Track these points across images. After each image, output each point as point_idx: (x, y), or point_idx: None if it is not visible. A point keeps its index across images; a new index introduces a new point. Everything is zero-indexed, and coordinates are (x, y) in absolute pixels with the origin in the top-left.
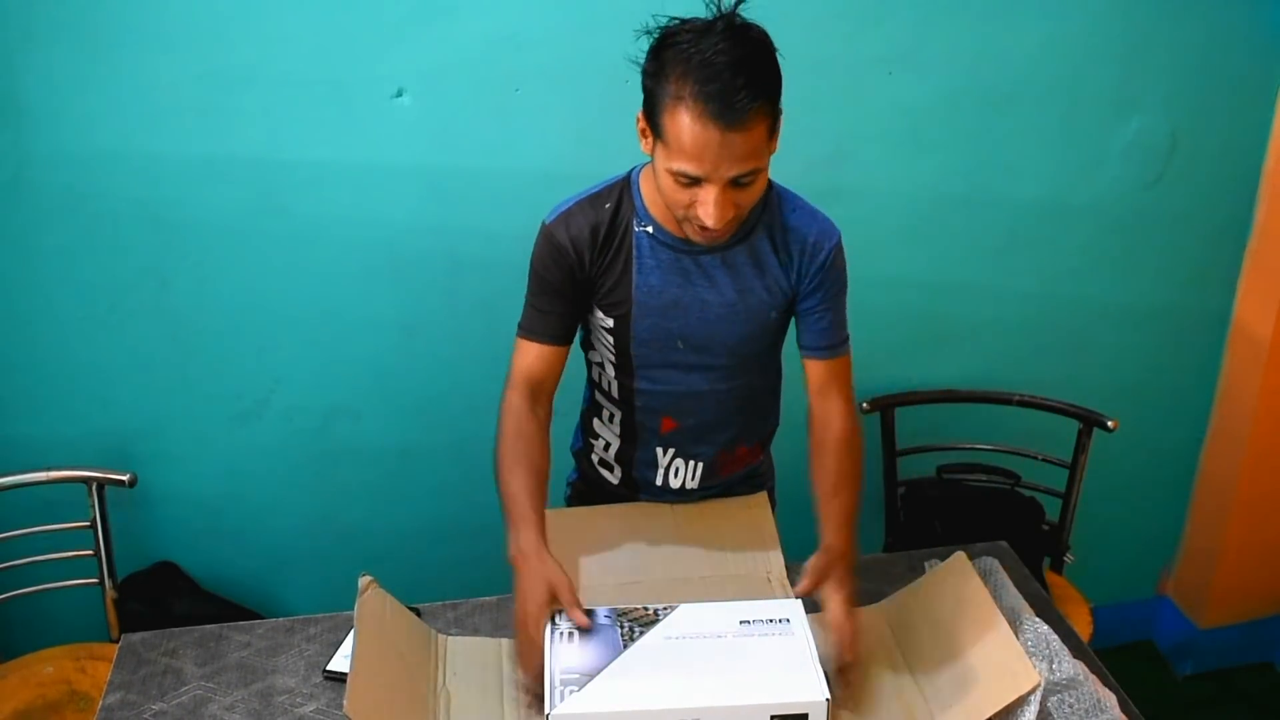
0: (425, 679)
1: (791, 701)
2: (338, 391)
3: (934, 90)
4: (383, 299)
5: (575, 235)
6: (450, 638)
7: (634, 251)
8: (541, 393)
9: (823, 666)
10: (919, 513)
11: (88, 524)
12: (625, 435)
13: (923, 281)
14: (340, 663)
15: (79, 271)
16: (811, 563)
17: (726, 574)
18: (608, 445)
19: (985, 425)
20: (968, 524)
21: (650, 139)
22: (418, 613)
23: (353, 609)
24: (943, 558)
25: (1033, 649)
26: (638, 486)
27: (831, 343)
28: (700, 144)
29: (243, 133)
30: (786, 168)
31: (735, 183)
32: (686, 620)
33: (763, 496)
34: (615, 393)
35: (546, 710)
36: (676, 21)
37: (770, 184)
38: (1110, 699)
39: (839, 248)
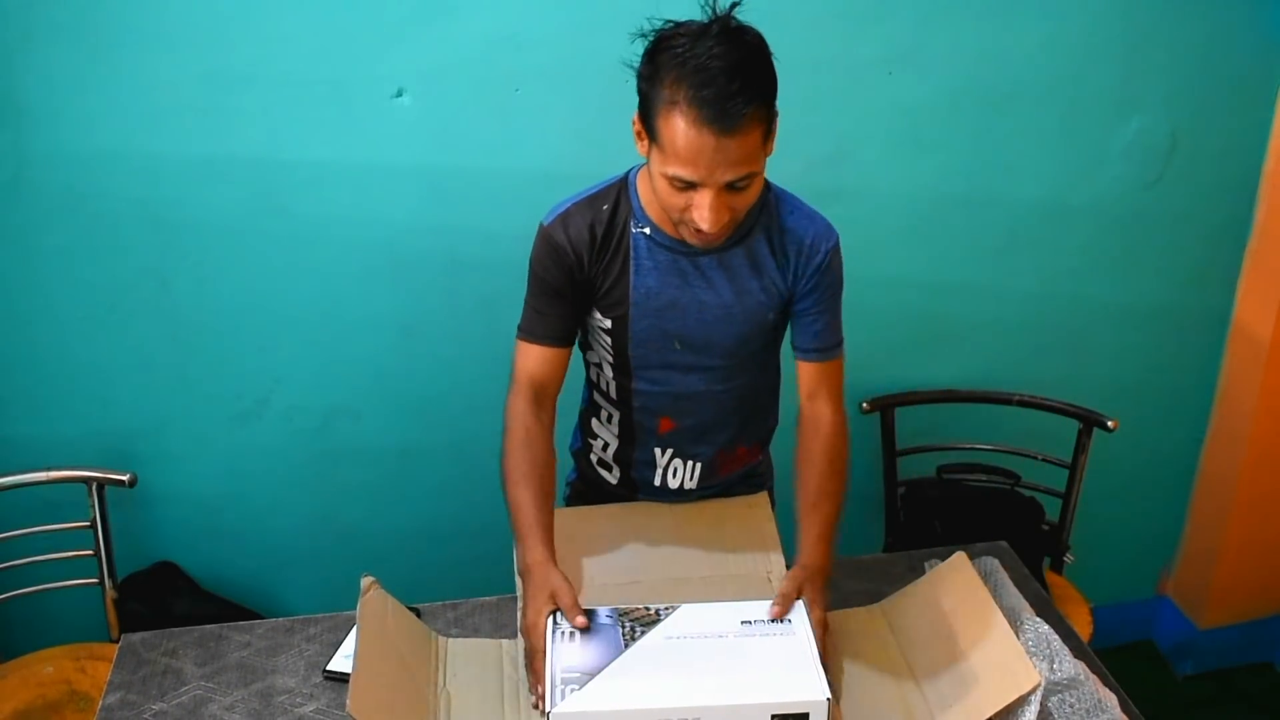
0: (426, 680)
1: (792, 701)
2: (338, 391)
3: (934, 90)
4: (383, 299)
5: (574, 236)
6: (450, 639)
7: (631, 253)
8: (546, 396)
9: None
10: (919, 513)
11: (88, 524)
12: (623, 435)
13: (923, 281)
14: (340, 663)
15: (79, 271)
16: (784, 585)
17: (727, 574)
18: (606, 445)
19: (985, 425)
20: (968, 524)
21: (645, 142)
22: (418, 613)
23: (353, 609)
24: (943, 558)
25: (1033, 649)
26: (636, 486)
27: (824, 345)
28: (695, 149)
29: (243, 133)
30: (786, 168)
31: (730, 187)
32: (688, 620)
33: (763, 496)
34: (613, 393)
35: (547, 709)
36: (671, 24)
37: (768, 185)
38: (1111, 699)
39: (836, 250)
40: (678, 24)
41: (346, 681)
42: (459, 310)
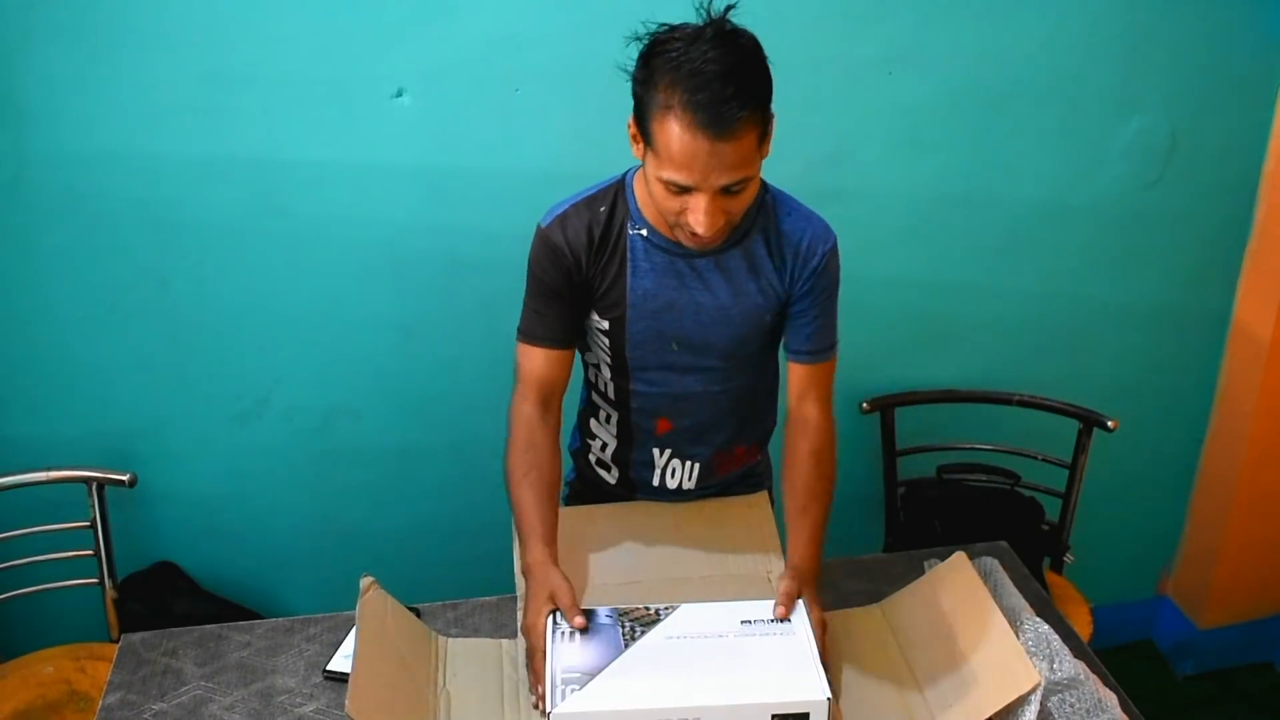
0: (426, 679)
1: (792, 701)
2: (338, 391)
3: (934, 90)
4: (383, 299)
5: (572, 238)
6: (450, 639)
7: (628, 254)
8: (552, 398)
9: None
10: (919, 513)
11: (88, 524)
12: (622, 436)
13: (923, 281)
14: (340, 663)
15: (79, 271)
16: (784, 586)
17: (727, 573)
18: (604, 446)
19: (985, 425)
20: (968, 524)
21: (641, 145)
22: (418, 613)
23: (353, 609)
24: (943, 558)
25: (1033, 649)
26: (635, 487)
27: (816, 348)
28: (689, 153)
29: (243, 133)
30: (786, 168)
31: (726, 191)
32: (688, 620)
33: (763, 496)
34: (611, 394)
35: (547, 709)
36: (666, 28)
37: (766, 186)
38: (1111, 699)
39: (834, 252)
40: (672, 27)
41: (346, 681)
42: (459, 310)
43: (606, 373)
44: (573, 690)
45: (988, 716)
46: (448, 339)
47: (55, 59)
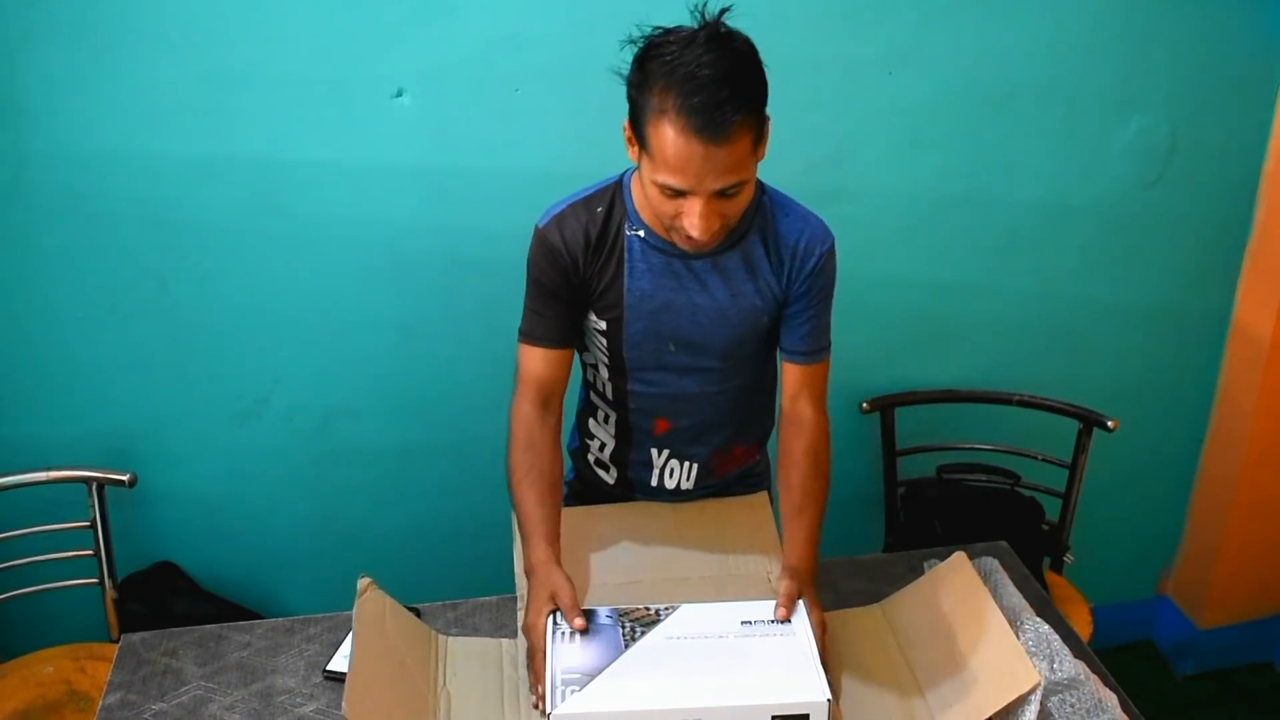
0: (425, 680)
1: (792, 702)
2: (338, 391)
3: (934, 90)
4: (382, 299)
5: (569, 238)
6: (450, 638)
7: (626, 255)
8: (552, 398)
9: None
10: (919, 513)
11: (88, 524)
12: (620, 436)
13: (923, 281)
14: (340, 663)
15: (79, 271)
16: (785, 587)
17: (727, 574)
18: (603, 446)
19: (985, 425)
20: (968, 524)
21: (636, 148)
22: (418, 613)
23: (353, 609)
24: (943, 558)
25: (1033, 649)
26: (633, 487)
27: (811, 348)
28: (684, 158)
29: (243, 133)
30: (786, 168)
31: (721, 194)
32: (688, 620)
33: (763, 496)
34: (610, 394)
35: (548, 710)
36: (660, 31)
37: (763, 187)
38: (1111, 699)
39: (831, 253)
40: (667, 30)
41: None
42: (459, 310)
43: (605, 373)
44: (573, 691)
45: (988, 716)
46: (448, 339)
47: (55, 59)
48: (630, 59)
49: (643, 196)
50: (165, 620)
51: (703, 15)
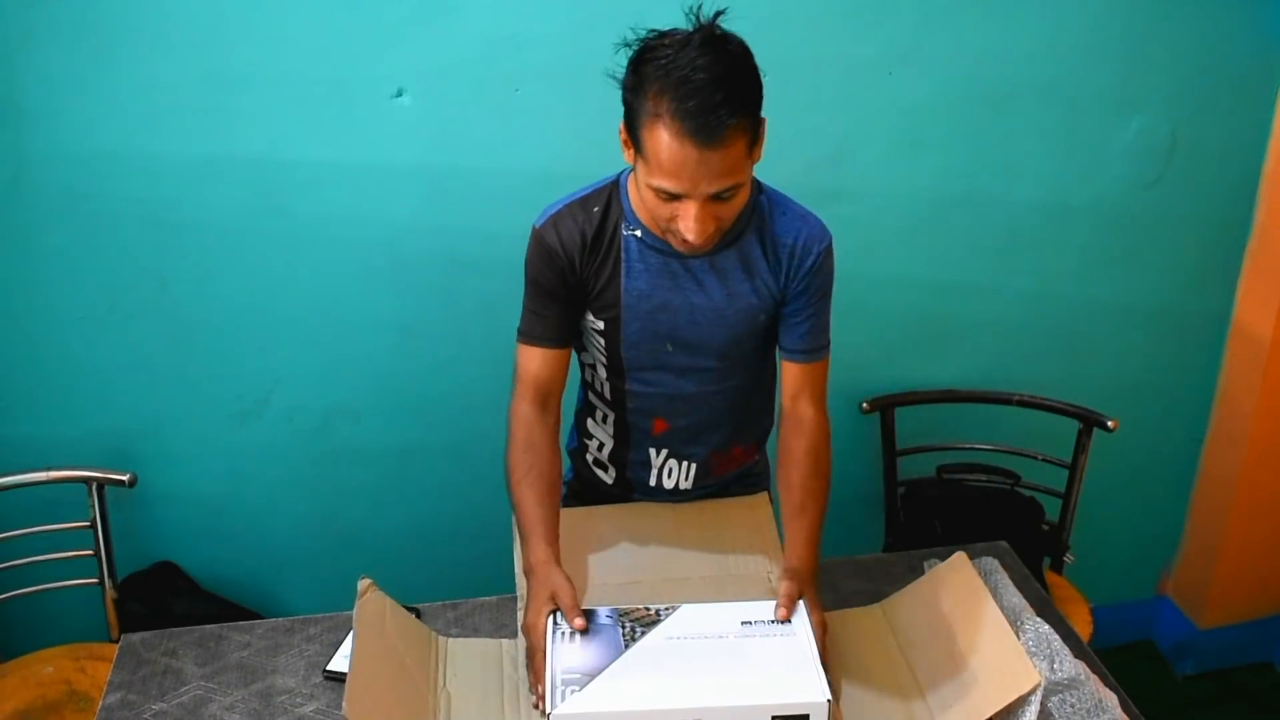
0: (425, 680)
1: (792, 702)
2: (338, 391)
3: (934, 90)
4: (383, 299)
5: (566, 238)
6: (450, 639)
7: (622, 255)
8: (550, 397)
9: None
10: (919, 513)
11: (88, 524)
12: (618, 436)
13: (923, 281)
14: (340, 663)
15: (79, 271)
16: (785, 588)
17: (727, 574)
18: (601, 446)
19: (985, 425)
20: (968, 524)
21: (632, 151)
22: (418, 613)
23: (353, 609)
24: (943, 558)
25: (1033, 649)
26: (632, 487)
27: (810, 347)
28: (678, 162)
29: (243, 133)
30: (786, 168)
31: (716, 197)
32: (688, 620)
33: (764, 497)
34: (608, 394)
35: (547, 710)
36: (655, 34)
37: (760, 186)
38: (1111, 699)
39: (828, 251)
40: (661, 33)
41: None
42: (459, 310)
43: (603, 373)
44: (573, 691)
45: (988, 717)
46: (448, 339)
47: (55, 59)
48: (625, 62)
49: (639, 197)
50: (165, 620)
51: (697, 18)
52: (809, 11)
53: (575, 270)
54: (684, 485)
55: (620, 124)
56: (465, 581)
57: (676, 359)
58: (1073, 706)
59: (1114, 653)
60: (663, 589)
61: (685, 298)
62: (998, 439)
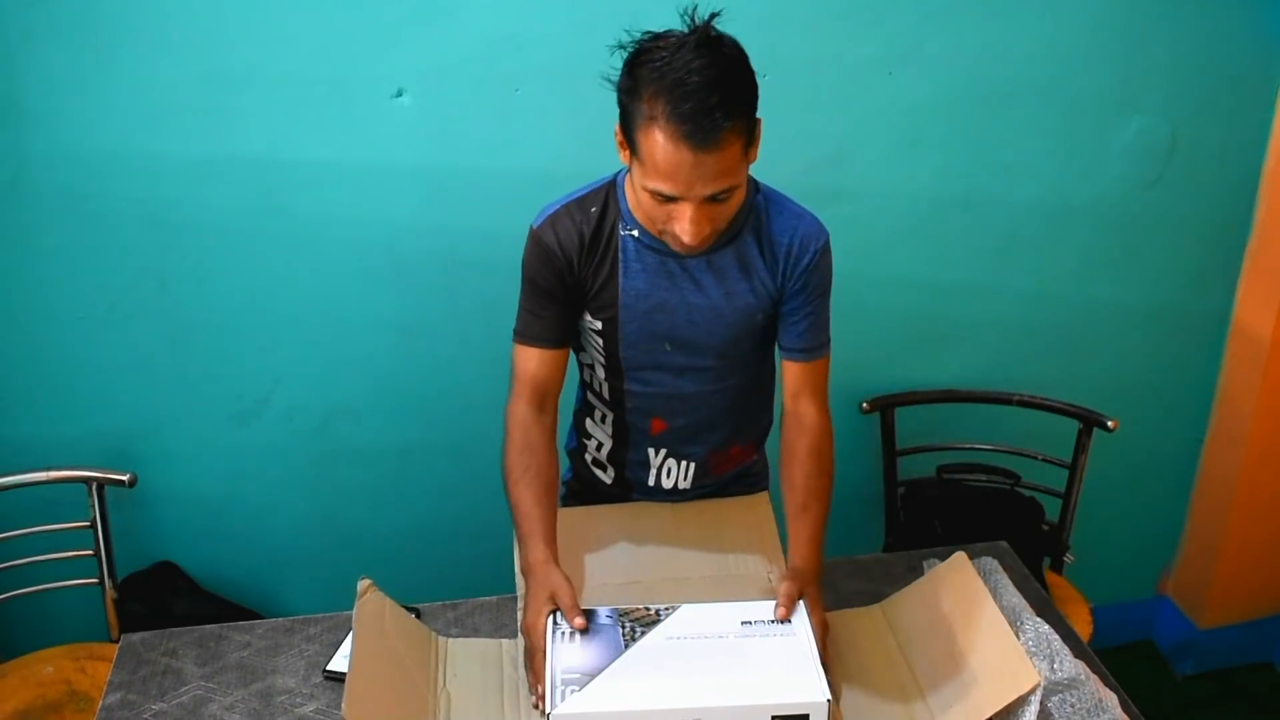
0: (425, 680)
1: (792, 702)
2: (338, 391)
3: (934, 90)
4: (383, 299)
5: (563, 238)
6: (450, 639)
7: (620, 255)
8: (548, 398)
9: None
10: (919, 513)
11: (88, 524)
12: (617, 436)
13: (923, 281)
14: (340, 663)
15: (79, 271)
16: (785, 587)
17: (727, 574)
18: (600, 445)
19: (985, 425)
20: (968, 524)
21: (628, 153)
22: (417, 613)
23: (353, 608)
24: (943, 558)
25: (1033, 649)
26: (631, 486)
27: (809, 345)
28: (673, 164)
29: (243, 133)
30: (787, 168)
31: (711, 199)
32: (688, 620)
33: (764, 497)
34: (606, 394)
35: (547, 710)
36: (650, 36)
37: (757, 186)
38: (1111, 699)
39: (826, 250)
40: (656, 35)
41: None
42: (459, 310)
43: (601, 373)
44: (573, 691)
45: (988, 716)
46: (448, 339)
47: (55, 59)
48: (620, 64)
49: (635, 198)
50: (165, 620)
51: (692, 19)
52: (808, 12)
53: (573, 270)
54: (683, 485)
55: (616, 126)
56: (465, 581)
57: (674, 359)
58: (1073, 706)
59: (1114, 653)
60: (662, 589)
61: (683, 297)
62: (998, 439)
